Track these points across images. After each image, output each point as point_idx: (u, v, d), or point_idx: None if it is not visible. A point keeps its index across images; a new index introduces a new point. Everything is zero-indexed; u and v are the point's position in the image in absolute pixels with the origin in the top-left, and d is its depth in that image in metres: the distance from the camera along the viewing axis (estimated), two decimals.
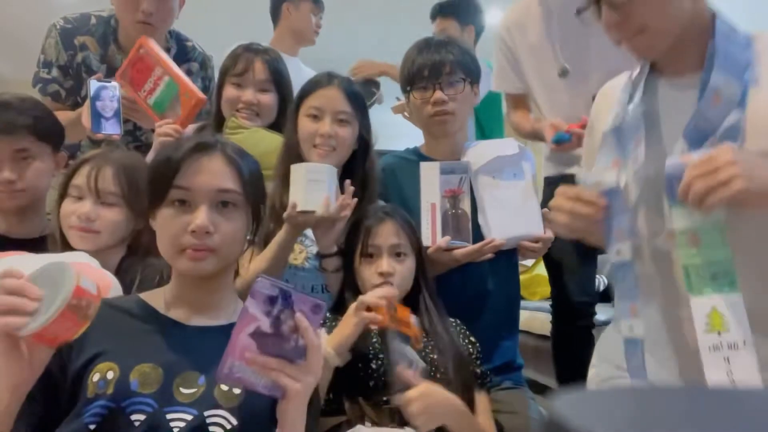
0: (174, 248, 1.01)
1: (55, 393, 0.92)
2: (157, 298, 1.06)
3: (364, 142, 1.55)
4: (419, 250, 1.41)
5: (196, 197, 1.01)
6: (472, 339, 1.40)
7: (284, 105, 1.74)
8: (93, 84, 1.72)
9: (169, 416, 0.91)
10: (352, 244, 1.40)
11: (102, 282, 1.01)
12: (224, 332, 0.91)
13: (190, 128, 1.77)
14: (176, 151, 1.04)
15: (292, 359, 0.88)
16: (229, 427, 0.93)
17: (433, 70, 1.59)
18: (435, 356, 1.28)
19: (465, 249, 1.52)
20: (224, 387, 0.95)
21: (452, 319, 1.41)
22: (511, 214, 1.56)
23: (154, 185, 1.04)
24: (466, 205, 1.57)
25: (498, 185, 1.58)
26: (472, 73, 1.64)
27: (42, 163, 1.53)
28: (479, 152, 1.64)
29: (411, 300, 1.37)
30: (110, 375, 0.92)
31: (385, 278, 1.33)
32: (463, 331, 1.41)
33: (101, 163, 1.34)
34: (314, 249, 1.48)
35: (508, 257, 1.68)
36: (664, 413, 0.34)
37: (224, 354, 0.87)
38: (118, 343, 0.96)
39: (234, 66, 1.73)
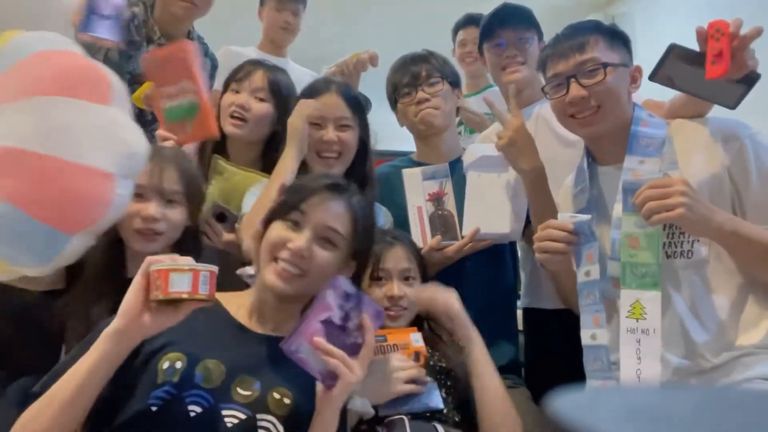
0: (269, 256, 1.10)
1: (122, 373, 0.96)
2: (229, 300, 1.13)
3: (363, 144, 1.59)
4: (424, 274, 1.44)
5: (307, 223, 1.10)
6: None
7: (280, 120, 1.69)
8: None
9: (224, 412, 0.97)
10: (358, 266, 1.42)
11: None
12: (275, 346, 0.99)
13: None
14: (312, 182, 1.18)
15: (348, 353, 0.97)
16: None
17: (413, 77, 1.70)
18: (444, 365, 1.30)
19: (454, 245, 1.56)
20: (276, 395, 1.01)
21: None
22: (485, 209, 1.58)
23: (281, 202, 1.16)
24: (450, 205, 1.61)
25: (480, 180, 1.60)
26: (449, 75, 1.73)
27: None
28: (471, 151, 1.69)
29: (416, 320, 1.39)
30: (178, 365, 0.99)
31: (394, 302, 1.35)
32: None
33: (162, 162, 1.30)
34: None
35: (506, 257, 1.69)
36: (664, 413, 0.35)
37: (295, 332, 0.96)
38: (189, 336, 1.02)
39: (235, 75, 1.71)
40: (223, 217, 1.50)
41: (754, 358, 1.21)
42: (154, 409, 0.95)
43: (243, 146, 1.69)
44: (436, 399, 1.21)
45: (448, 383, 1.27)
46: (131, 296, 0.93)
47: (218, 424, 0.96)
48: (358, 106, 1.59)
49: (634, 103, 1.37)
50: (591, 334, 1.25)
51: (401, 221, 1.62)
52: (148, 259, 0.95)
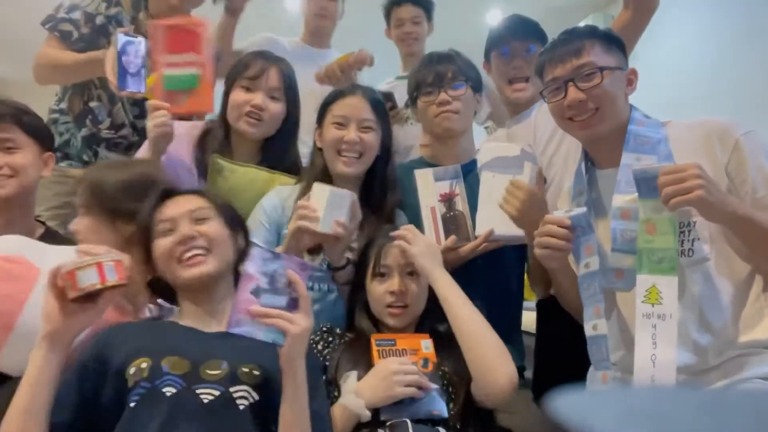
0: (173, 259, 1.19)
1: (90, 385, 1.06)
2: (173, 317, 1.23)
3: (385, 148, 1.62)
4: None
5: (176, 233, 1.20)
6: None
7: (290, 118, 1.74)
8: (120, 38, 1.64)
9: (198, 391, 1.04)
10: (364, 262, 1.43)
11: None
12: (232, 335, 1.06)
13: (187, 125, 1.74)
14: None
15: (288, 310, 1.04)
16: (252, 401, 1.06)
17: (437, 77, 1.71)
18: (447, 369, 1.29)
19: (468, 245, 1.57)
20: (245, 368, 1.08)
21: None
22: (499, 210, 1.57)
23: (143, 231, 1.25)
24: (461, 206, 1.62)
25: (495, 181, 1.61)
26: (473, 80, 1.74)
27: (28, 155, 1.51)
28: (486, 151, 1.68)
29: (421, 319, 1.40)
30: (144, 365, 1.05)
31: (397, 297, 1.35)
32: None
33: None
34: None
35: (512, 258, 1.69)
36: (664, 413, 0.35)
37: (231, 311, 1.03)
38: (147, 344, 1.10)
39: (246, 70, 1.69)
40: None
41: (754, 358, 1.22)
42: (132, 405, 1.02)
43: (246, 142, 1.72)
44: (440, 406, 1.21)
45: (450, 390, 1.27)
46: (48, 302, 1.03)
47: (195, 400, 1.03)
48: (382, 110, 1.62)
49: (630, 104, 1.39)
50: (593, 324, 1.27)
51: (414, 222, 1.62)
52: (52, 269, 1.03)
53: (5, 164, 1.48)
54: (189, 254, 1.17)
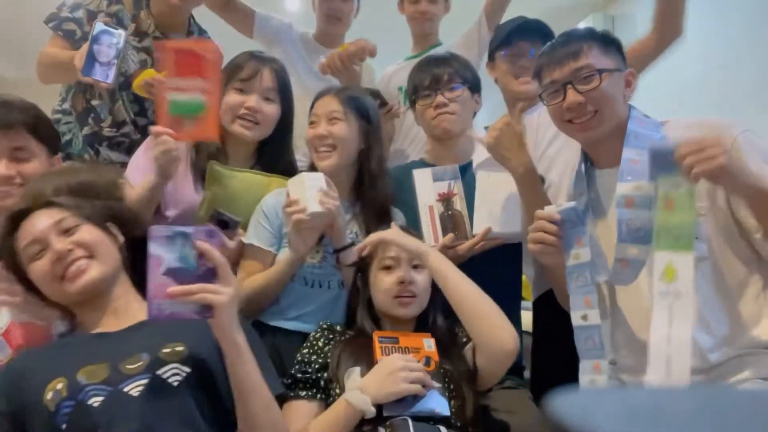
0: (52, 278, 1.14)
1: (10, 428, 1.02)
2: (81, 326, 1.18)
3: (367, 141, 1.61)
4: None
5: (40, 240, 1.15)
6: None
7: (285, 119, 1.73)
8: (98, 26, 1.65)
9: (126, 389, 1.01)
10: (365, 261, 1.44)
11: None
12: (143, 325, 1.08)
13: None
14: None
15: (207, 281, 0.99)
16: (185, 374, 1.04)
17: (434, 79, 1.73)
18: (448, 367, 1.30)
19: (466, 243, 1.58)
20: (167, 349, 1.06)
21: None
22: (496, 209, 1.60)
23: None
24: (459, 206, 1.63)
25: (490, 180, 1.62)
26: (470, 81, 1.76)
27: (39, 164, 1.51)
28: (481, 150, 1.69)
29: (421, 316, 1.41)
30: (60, 385, 1.01)
31: (405, 287, 1.36)
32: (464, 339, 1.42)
33: None
34: (330, 248, 1.54)
35: (509, 257, 1.69)
36: (664, 413, 0.35)
37: (147, 298, 0.97)
38: (57, 361, 1.06)
39: (239, 72, 1.67)
40: (224, 224, 1.50)
41: (753, 358, 1.22)
42: (63, 426, 0.98)
43: (242, 144, 1.70)
44: (442, 405, 1.21)
45: (451, 386, 1.28)
46: None
47: (125, 398, 1.00)
48: (355, 103, 1.62)
49: (629, 104, 1.39)
50: (582, 314, 1.29)
51: (412, 221, 1.64)
52: None
53: (18, 173, 1.48)
54: (72, 268, 1.11)
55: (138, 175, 1.59)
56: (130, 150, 2.01)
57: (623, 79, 1.38)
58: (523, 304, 1.89)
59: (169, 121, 1.52)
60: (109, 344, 1.09)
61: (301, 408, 1.25)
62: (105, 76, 1.65)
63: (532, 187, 1.52)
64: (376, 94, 2.01)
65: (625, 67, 1.40)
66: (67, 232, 1.14)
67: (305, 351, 1.35)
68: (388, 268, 1.39)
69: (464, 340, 1.38)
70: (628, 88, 1.39)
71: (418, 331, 1.38)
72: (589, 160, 1.45)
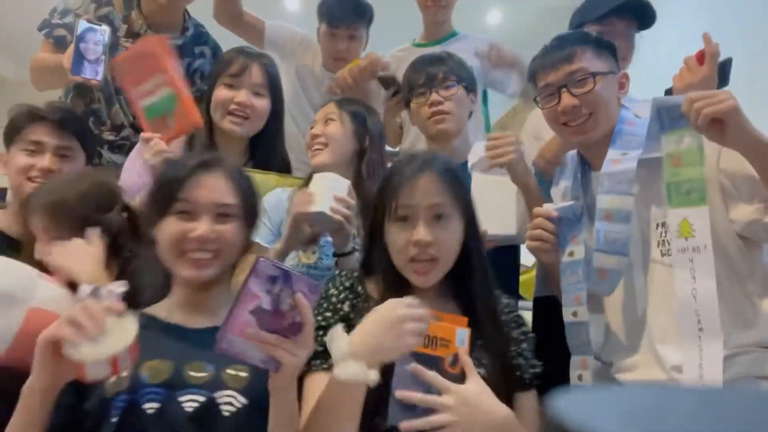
0: (175, 252, 1.09)
1: (75, 400, 0.99)
2: (158, 309, 1.14)
3: (361, 141, 1.62)
4: (469, 215, 1.18)
5: (198, 208, 1.10)
6: (525, 329, 1.22)
7: (275, 113, 1.73)
8: (81, 24, 1.66)
9: (180, 399, 0.99)
10: (378, 209, 1.17)
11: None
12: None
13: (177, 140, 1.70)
14: (180, 168, 1.13)
15: (288, 336, 0.91)
16: (239, 406, 1.00)
17: (428, 78, 1.73)
18: (482, 358, 1.10)
19: None
20: (231, 371, 1.03)
21: (506, 301, 1.24)
22: (491, 210, 1.58)
23: (158, 199, 1.12)
24: None
25: (486, 181, 1.61)
26: (465, 80, 1.76)
27: (79, 166, 1.61)
28: (476, 150, 1.67)
29: (456, 284, 1.16)
30: (123, 373, 0.97)
31: (422, 248, 1.10)
32: (516, 319, 1.23)
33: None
34: (329, 249, 1.53)
35: (506, 257, 1.70)
36: (664, 413, 0.35)
37: (222, 329, 0.90)
38: None
39: (228, 67, 1.68)
40: None
41: (747, 357, 1.21)
42: (114, 420, 0.96)
43: (233, 140, 1.71)
44: None
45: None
46: (42, 361, 0.89)
47: (178, 412, 0.97)
48: (350, 105, 1.65)
49: (623, 105, 1.40)
50: (573, 311, 1.31)
51: None
52: (44, 342, 0.88)
53: (58, 170, 1.58)
54: (195, 256, 1.08)
55: (135, 176, 1.59)
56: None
57: (617, 81, 1.40)
58: (523, 304, 1.89)
59: (152, 126, 1.58)
60: (179, 341, 1.07)
61: (323, 381, 1.03)
62: (95, 74, 1.67)
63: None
64: (392, 79, 1.98)
65: (618, 69, 1.41)
66: (220, 217, 1.10)
67: (328, 314, 1.14)
68: (403, 219, 1.12)
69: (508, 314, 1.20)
70: (622, 90, 1.41)
71: (457, 301, 1.16)
72: (586, 163, 1.46)
